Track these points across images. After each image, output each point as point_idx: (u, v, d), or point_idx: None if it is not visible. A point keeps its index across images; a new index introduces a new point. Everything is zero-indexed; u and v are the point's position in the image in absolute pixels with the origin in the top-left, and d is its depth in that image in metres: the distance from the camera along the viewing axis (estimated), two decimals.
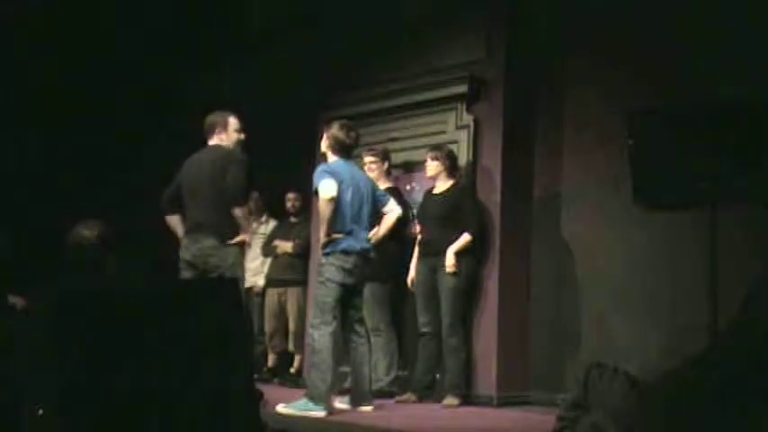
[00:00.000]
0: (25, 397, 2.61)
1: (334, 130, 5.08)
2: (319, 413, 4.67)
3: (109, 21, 7.34)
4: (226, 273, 4.82)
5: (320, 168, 4.98)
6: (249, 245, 5.11)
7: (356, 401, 5.00)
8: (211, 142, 5.16)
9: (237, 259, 4.94)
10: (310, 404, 4.70)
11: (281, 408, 4.71)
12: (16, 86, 6.95)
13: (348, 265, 4.88)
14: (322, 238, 4.89)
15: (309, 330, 4.93)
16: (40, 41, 7.05)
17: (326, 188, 4.81)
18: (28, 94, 7.02)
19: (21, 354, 2.80)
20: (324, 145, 5.14)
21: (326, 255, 4.89)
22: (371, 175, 5.82)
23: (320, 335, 4.78)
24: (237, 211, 4.92)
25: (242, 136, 5.21)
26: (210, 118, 5.21)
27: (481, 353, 5.63)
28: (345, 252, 4.87)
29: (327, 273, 4.86)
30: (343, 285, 4.87)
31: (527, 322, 5.82)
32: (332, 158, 5.07)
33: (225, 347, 2.71)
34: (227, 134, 5.15)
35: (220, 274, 4.81)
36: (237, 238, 4.93)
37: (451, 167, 5.71)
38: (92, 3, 7.18)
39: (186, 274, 4.98)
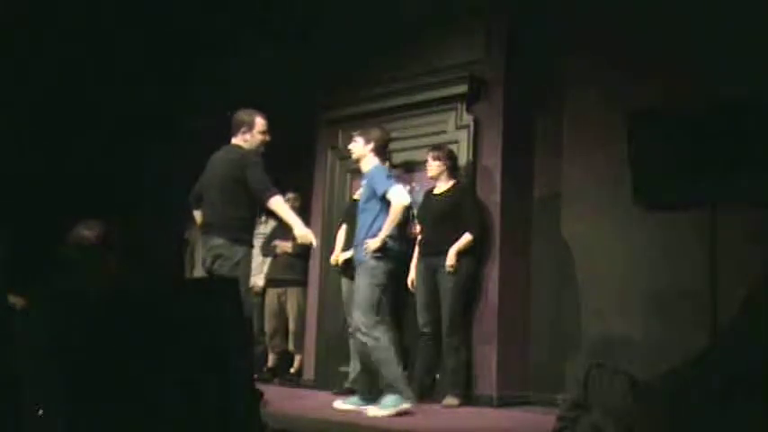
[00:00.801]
0: (25, 397, 2.61)
1: (379, 133, 5.16)
2: (409, 404, 4.74)
3: (109, 21, 7.33)
4: (228, 272, 4.76)
5: (381, 172, 5.06)
6: (304, 237, 4.90)
7: (369, 400, 4.99)
8: (234, 141, 5.09)
9: (244, 259, 4.87)
10: (400, 399, 4.74)
11: (373, 411, 4.71)
12: (17, 86, 6.95)
13: (393, 269, 4.99)
14: (379, 240, 4.89)
15: (364, 330, 4.84)
16: (41, 40, 7.05)
17: (403, 194, 4.94)
18: (29, 94, 7.02)
19: (21, 354, 2.80)
20: (364, 148, 5.14)
21: (378, 258, 4.91)
22: None
23: (381, 334, 4.84)
24: (272, 203, 4.86)
25: (267, 138, 5.12)
26: (238, 116, 5.14)
27: (481, 353, 5.63)
28: (396, 258, 4.99)
29: (380, 277, 4.91)
30: (387, 287, 4.98)
31: (527, 322, 5.82)
32: (373, 161, 5.12)
33: (225, 347, 2.71)
34: (251, 135, 5.06)
35: (223, 273, 4.78)
36: (298, 240, 4.92)
37: (452, 168, 5.71)
38: (93, 1, 7.18)
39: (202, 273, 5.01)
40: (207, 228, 5.01)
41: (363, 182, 5.21)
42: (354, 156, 5.29)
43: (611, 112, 5.37)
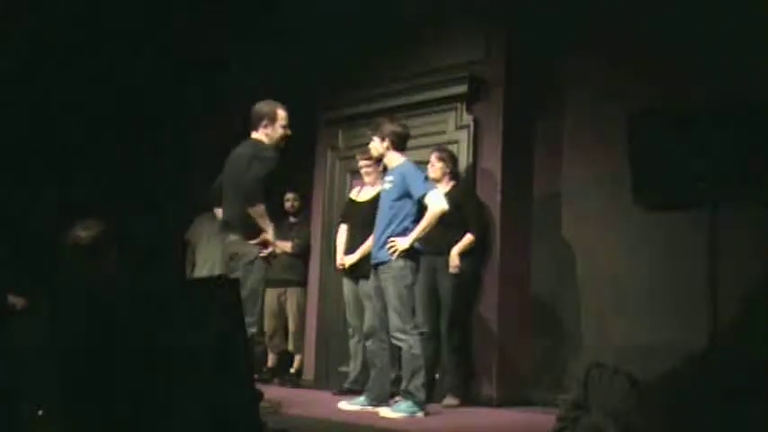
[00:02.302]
0: (25, 397, 2.61)
1: (391, 126, 5.03)
2: (422, 414, 4.74)
3: (108, 22, 7.33)
4: (243, 271, 4.65)
5: (416, 173, 4.96)
6: (273, 244, 4.78)
7: (378, 401, 4.99)
8: (254, 135, 4.81)
9: (259, 259, 4.75)
10: (416, 407, 4.73)
11: (386, 413, 4.70)
12: (19, 87, 6.94)
13: (416, 266, 4.94)
14: (409, 242, 4.81)
15: (401, 336, 4.79)
16: (43, 44, 7.05)
17: (441, 200, 4.88)
18: (30, 95, 7.02)
19: (21, 354, 2.80)
20: (381, 146, 5.03)
21: (404, 258, 4.83)
22: (368, 179, 5.82)
23: (415, 340, 4.82)
24: (251, 211, 4.66)
25: (288, 131, 4.89)
26: (258, 108, 4.83)
27: (481, 353, 5.63)
28: (417, 256, 4.94)
29: (409, 276, 4.85)
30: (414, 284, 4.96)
31: (527, 322, 5.82)
32: (398, 157, 5.02)
33: (224, 347, 2.71)
34: (273, 128, 4.81)
35: (236, 272, 4.67)
36: (260, 238, 4.71)
37: (454, 169, 5.71)
38: (91, 2, 7.17)
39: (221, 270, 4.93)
40: (224, 225, 4.91)
41: (389, 178, 5.03)
42: (375, 155, 5.18)
43: (611, 112, 5.37)
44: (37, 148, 7.12)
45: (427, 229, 4.85)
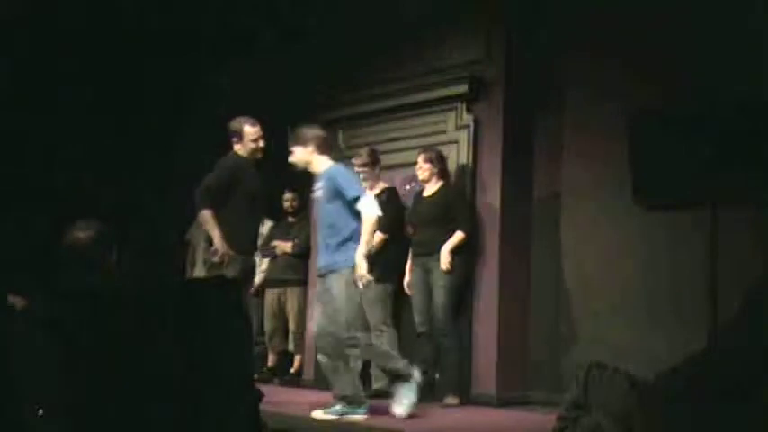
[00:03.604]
0: (25, 397, 2.60)
1: (312, 131, 4.93)
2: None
3: (108, 23, 7.33)
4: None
5: (348, 174, 4.90)
6: (216, 252, 4.89)
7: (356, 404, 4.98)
8: (234, 148, 5.17)
9: (228, 265, 4.90)
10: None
11: (397, 409, 4.64)
12: (18, 86, 6.94)
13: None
14: (362, 257, 4.63)
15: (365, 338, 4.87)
16: (40, 41, 7.05)
17: (374, 206, 4.75)
18: (29, 94, 7.02)
19: (21, 354, 2.80)
20: (305, 152, 4.89)
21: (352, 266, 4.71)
22: (365, 183, 5.81)
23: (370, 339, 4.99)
24: (199, 217, 5.00)
25: (260, 144, 5.15)
26: (230, 125, 5.19)
27: (481, 353, 5.63)
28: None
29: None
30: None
31: (527, 322, 5.82)
32: (325, 161, 4.89)
33: (224, 347, 2.71)
34: (242, 144, 5.15)
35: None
36: (213, 246, 4.92)
37: (442, 169, 5.71)
38: (89, 3, 7.17)
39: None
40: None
41: (318, 184, 4.90)
42: (300, 164, 4.96)
43: (611, 112, 5.37)
44: (36, 146, 7.12)
45: (371, 239, 4.75)
